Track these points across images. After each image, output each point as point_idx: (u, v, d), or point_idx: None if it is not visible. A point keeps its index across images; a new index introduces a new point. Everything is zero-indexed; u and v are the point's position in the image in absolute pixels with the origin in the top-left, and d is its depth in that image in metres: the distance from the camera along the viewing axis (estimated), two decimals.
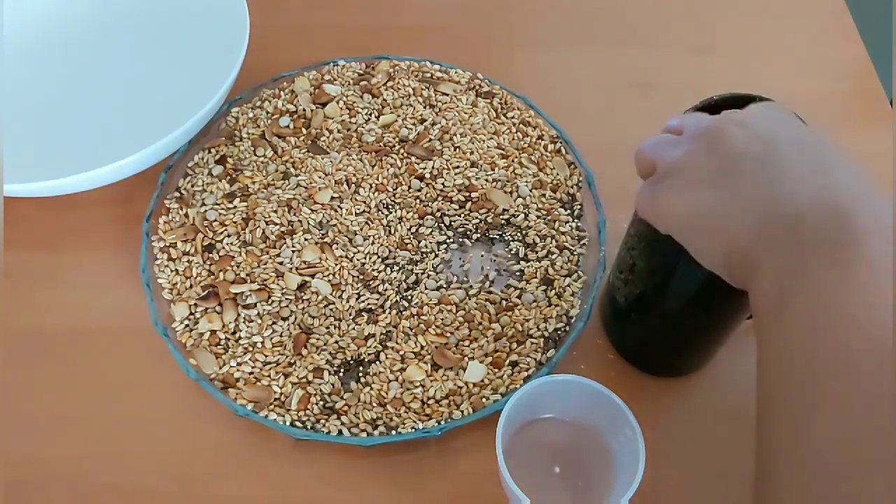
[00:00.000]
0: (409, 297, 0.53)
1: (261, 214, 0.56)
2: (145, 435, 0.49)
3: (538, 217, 0.57)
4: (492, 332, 0.52)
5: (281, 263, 0.54)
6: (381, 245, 0.55)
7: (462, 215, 0.57)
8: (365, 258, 0.54)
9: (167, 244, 0.55)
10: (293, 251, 0.54)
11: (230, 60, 0.56)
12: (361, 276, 0.54)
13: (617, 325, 0.52)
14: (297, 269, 0.54)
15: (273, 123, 0.61)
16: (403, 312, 0.52)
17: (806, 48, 0.71)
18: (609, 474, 0.46)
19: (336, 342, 0.51)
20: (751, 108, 0.37)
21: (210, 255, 0.54)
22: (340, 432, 0.48)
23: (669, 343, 0.49)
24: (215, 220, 0.56)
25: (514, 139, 0.61)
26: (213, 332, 0.51)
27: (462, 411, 0.49)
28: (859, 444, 0.27)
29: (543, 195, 0.58)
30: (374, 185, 0.58)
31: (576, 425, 0.47)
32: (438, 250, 0.55)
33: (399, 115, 0.61)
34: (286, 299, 0.52)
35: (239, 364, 0.50)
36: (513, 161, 0.59)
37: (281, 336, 0.51)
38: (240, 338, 0.51)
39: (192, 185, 0.58)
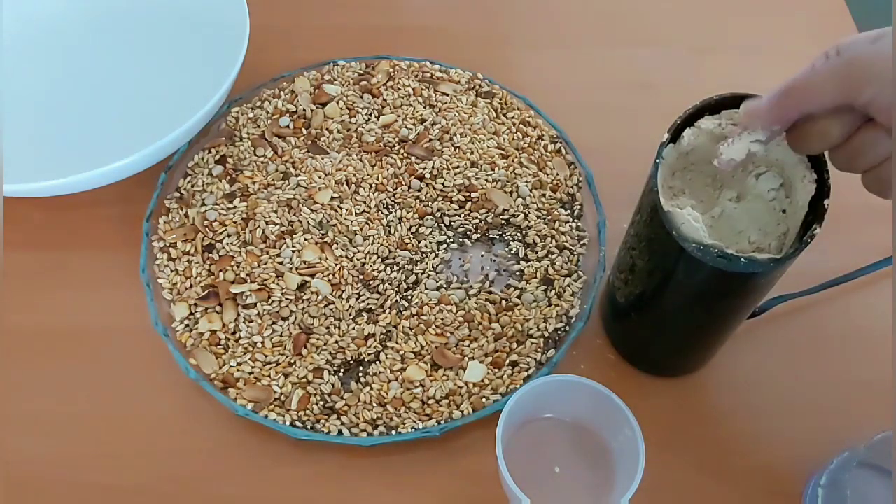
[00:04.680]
0: (409, 297, 0.53)
1: (261, 214, 0.56)
2: (145, 435, 0.49)
3: (538, 217, 0.57)
4: (492, 332, 0.52)
5: (281, 263, 0.54)
6: (381, 245, 0.55)
7: (462, 215, 0.57)
8: (365, 258, 0.54)
9: (167, 244, 0.55)
10: (293, 251, 0.54)
11: (230, 60, 0.56)
12: (361, 276, 0.54)
13: (617, 325, 0.52)
14: (297, 269, 0.54)
15: (273, 123, 0.61)
16: (403, 312, 0.52)
17: (806, 48, 0.70)
18: (609, 474, 0.46)
19: (336, 342, 0.51)
20: None
21: (210, 255, 0.54)
22: (340, 432, 0.48)
23: (669, 343, 0.49)
24: (215, 220, 0.56)
25: (514, 139, 0.61)
26: (213, 332, 0.51)
27: (462, 411, 0.49)
28: None
29: (543, 195, 0.58)
30: (374, 185, 0.58)
31: (576, 425, 0.47)
32: (438, 250, 0.55)
33: (399, 115, 0.61)
34: (286, 299, 0.52)
35: (239, 364, 0.50)
36: (513, 161, 0.59)
37: (281, 336, 0.51)
38: (240, 338, 0.51)
39: (192, 185, 0.58)
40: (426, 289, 0.53)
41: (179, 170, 0.59)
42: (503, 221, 0.57)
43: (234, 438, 0.49)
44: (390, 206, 0.57)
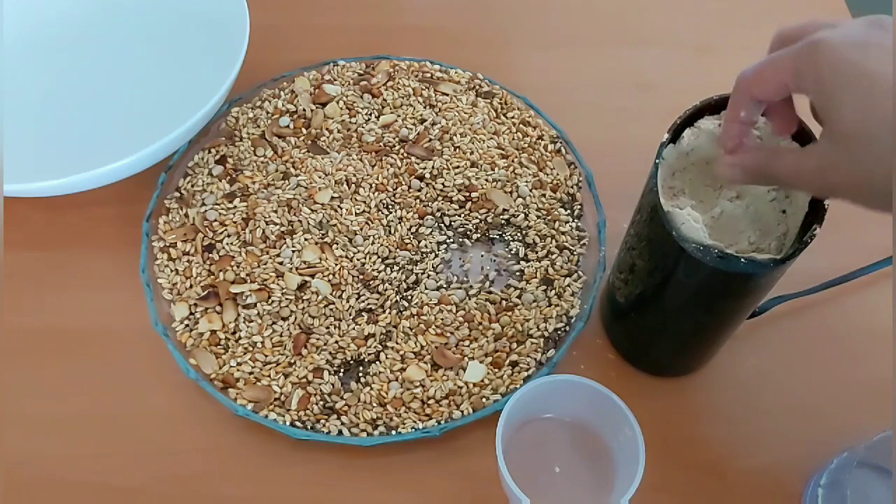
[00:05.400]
0: (409, 297, 0.53)
1: (261, 214, 0.56)
2: (145, 435, 0.49)
3: (538, 217, 0.57)
4: (492, 332, 0.52)
5: (281, 263, 0.54)
6: (381, 245, 0.55)
7: (462, 215, 0.57)
8: (365, 258, 0.54)
9: (167, 244, 0.55)
10: (293, 251, 0.54)
11: (230, 60, 0.56)
12: (361, 276, 0.54)
13: (617, 325, 0.52)
14: (297, 269, 0.54)
15: (273, 123, 0.61)
16: (403, 312, 0.52)
17: None
18: (609, 474, 0.46)
19: (336, 342, 0.51)
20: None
21: (210, 255, 0.54)
22: (340, 432, 0.48)
23: (669, 343, 0.49)
24: (215, 220, 0.56)
25: (514, 139, 0.61)
26: (213, 332, 0.51)
27: (462, 411, 0.49)
28: None
29: (543, 195, 0.58)
30: (374, 185, 0.58)
31: (576, 425, 0.47)
32: (438, 250, 0.55)
33: (399, 115, 0.61)
34: (286, 299, 0.52)
35: (239, 364, 0.50)
36: (513, 161, 0.59)
37: (281, 336, 0.51)
38: (240, 338, 0.51)
39: (192, 185, 0.58)
40: (426, 289, 0.53)
41: (179, 170, 0.59)
42: (503, 221, 0.57)
43: (234, 438, 0.49)
44: (390, 206, 0.57)
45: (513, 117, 0.62)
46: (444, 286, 0.54)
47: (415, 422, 0.48)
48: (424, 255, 0.55)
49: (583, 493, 0.46)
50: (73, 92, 0.62)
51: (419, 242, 0.55)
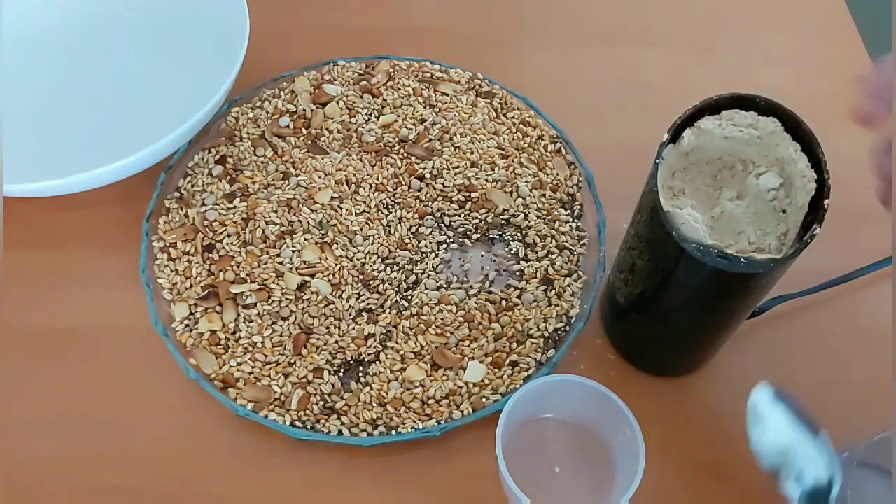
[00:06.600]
0: (409, 297, 0.53)
1: (261, 214, 0.56)
2: (145, 435, 0.49)
3: (538, 217, 0.57)
4: (492, 332, 0.52)
5: (281, 263, 0.54)
6: (381, 245, 0.55)
7: (462, 215, 0.57)
8: (365, 258, 0.54)
9: (167, 244, 0.55)
10: (293, 251, 0.54)
11: (230, 60, 0.56)
12: (361, 276, 0.54)
13: (617, 325, 0.52)
14: (297, 269, 0.54)
15: (273, 123, 0.61)
16: (403, 312, 0.52)
17: (806, 48, 0.70)
18: (609, 474, 0.46)
19: (336, 342, 0.51)
20: None
21: (210, 255, 0.54)
22: (340, 432, 0.48)
23: (669, 343, 0.49)
24: (215, 220, 0.56)
25: (514, 139, 0.61)
26: (213, 332, 0.51)
27: (462, 411, 0.49)
28: None
29: (543, 195, 0.58)
30: (374, 185, 0.58)
31: (576, 425, 0.47)
32: (438, 250, 0.55)
33: (399, 115, 0.61)
34: (286, 299, 0.52)
35: (239, 364, 0.50)
36: (513, 161, 0.59)
37: (281, 336, 0.51)
38: (240, 338, 0.51)
39: (192, 185, 0.58)
40: (426, 289, 0.53)
41: (179, 170, 0.59)
42: (503, 221, 0.57)
43: (234, 438, 0.49)
44: (390, 206, 0.57)
45: (513, 117, 0.62)
46: (444, 286, 0.54)
47: (415, 422, 0.48)
48: (424, 255, 0.55)
49: (583, 493, 0.46)
50: (73, 92, 0.62)
51: (419, 242, 0.55)
